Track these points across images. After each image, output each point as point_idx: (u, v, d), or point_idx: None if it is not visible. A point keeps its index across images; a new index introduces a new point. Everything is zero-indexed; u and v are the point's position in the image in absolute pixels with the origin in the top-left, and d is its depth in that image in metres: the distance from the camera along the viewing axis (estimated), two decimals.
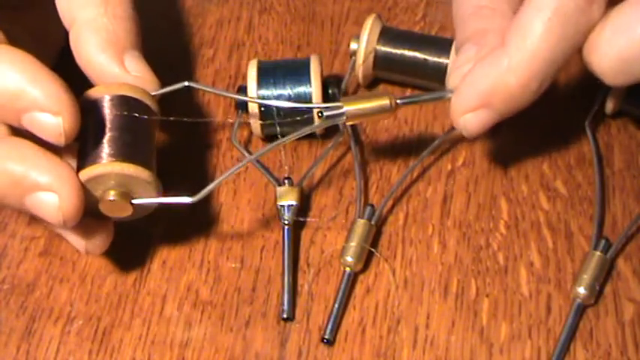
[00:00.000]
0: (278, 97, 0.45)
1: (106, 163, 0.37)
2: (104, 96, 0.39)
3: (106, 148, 0.37)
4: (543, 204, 0.44)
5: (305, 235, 0.43)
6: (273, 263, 0.42)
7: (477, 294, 0.41)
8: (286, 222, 0.43)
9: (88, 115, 0.38)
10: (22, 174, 0.36)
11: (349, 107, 0.39)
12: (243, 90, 0.45)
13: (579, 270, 0.41)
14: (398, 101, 0.40)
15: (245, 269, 0.42)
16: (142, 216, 0.40)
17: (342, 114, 0.39)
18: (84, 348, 0.40)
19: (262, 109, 0.45)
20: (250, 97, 0.44)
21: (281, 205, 0.43)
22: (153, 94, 0.41)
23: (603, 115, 0.47)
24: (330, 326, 0.40)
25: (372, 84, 0.49)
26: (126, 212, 0.38)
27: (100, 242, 0.40)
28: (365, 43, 0.47)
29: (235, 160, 0.47)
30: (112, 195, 0.37)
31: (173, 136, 0.46)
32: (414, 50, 0.47)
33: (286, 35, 0.53)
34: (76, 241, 0.40)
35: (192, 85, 0.42)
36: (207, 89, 0.45)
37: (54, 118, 0.36)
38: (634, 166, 0.46)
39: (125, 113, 0.39)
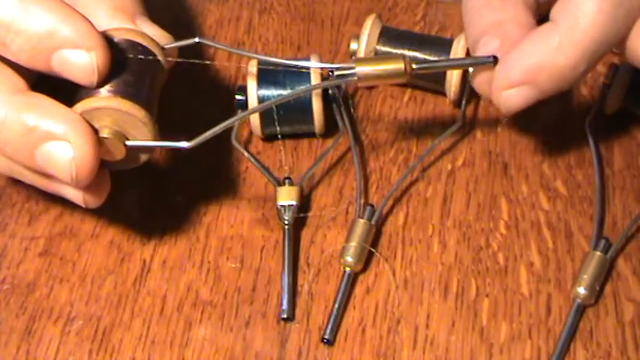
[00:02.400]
0: (278, 97, 0.45)
1: (103, 97, 0.36)
2: (113, 39, 0.38)
3: (106, 85, 0.37)
4: (543, 204, 0.44)
5: (305, 235, 0.43)
6: (273, 263, 0.42)
7: (477, 294, 0.41)
8: (286, 222, 0.43)
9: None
10: (36, 122, 0.35)
11: (361, 67, 0.38)
12: (243, 90, 0.45)
13: (579, 270, 0.41)
14: (414, 66, 0.38)
15: (245, 269, 0.42)
16: (137, 165, 0.39)
17: (353, 74, 0.38)
18: (84, 348, 0.40)
19: None
20: (253, 54, 0.43)
21: (281, 205, 0.43)
22: (163, 46, 0.40)
23: (603, 115, 0.47)
24: (330, 326, 0.40)
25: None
26: (119, 154, 0.37)
27: (98, 193, 0.38)
28: (365, 43, 0.47)
29: (235, 160, 0.47)
30: (106, 132, 0.36)
31: (173, 135, 0.46)
32: (414, 50, 0.47)
33: (286, 35, 0.53)
34: (73, 193, 0.38)
35: (203, 41, 0.41)
36: (219, 46, 0.44)
37: (86, 54, 0.35)
38: (634, 166, 0.46)
39: (131, 56, 0.38)
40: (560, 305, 0.41)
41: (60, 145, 0.35)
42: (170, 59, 0.41)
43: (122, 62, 0.38)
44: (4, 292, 0.42)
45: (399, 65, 0.38)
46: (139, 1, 0.41)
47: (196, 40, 0.41)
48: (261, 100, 0.45)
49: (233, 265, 0.42)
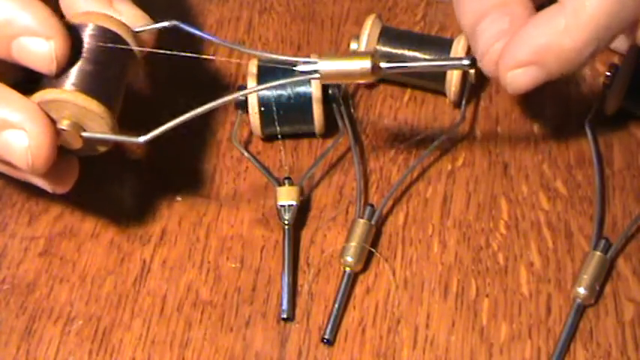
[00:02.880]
0: (278, 97, 0.45)
1: (63, 90, 0.37)
2: (82, 24, 0.38)
3: (69, 76, 0.37)
4: (543, 204, 0.44)
5: (305, 235, 0.43)
6: (273, 263, 0.42)
7: (477, 294, 0.41)
8: (286, 222, 0.43)
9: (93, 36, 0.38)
10: None
11: (325, 62, 0.36)
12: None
13: (579, 270, 0.41)
14: (382, 64, 0.35)
15: (245, 269, 0.42)
16: (96, 153, 0.39)
17: (315, 70, 0.36)
18: (84, 348, 0.40)
19: (262, 108, 0.45)
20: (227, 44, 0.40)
21: (281, 205, 0.43)
22: (136, 30, 0.40)
23: (603, 115, 0.47)
24: (330, 326, 0.40)
25: (372, 84, 0.49)
26: (76, 145, 0.37)
27: (63, 180, 0.39)
28: (365, 43, 0.47)
29: (235, 160, 0.47)
30: (64, 124, 0.37)
31: (173, 135, 0.46)
32: (414, 50, 0.47)
33: (286, 35, 0.53)
34: (38, 180, 0.39)
35: (181, 25, 0.40)
36: (196, 32, 0.40)
37: (46, 42, 0.36)
38: (634, 166, 0.46)
39: (100, 44, 0.38)
40: (560, 305, 0.41)
41: (16, 134, 0.35)
42: (144, 49, 0.40)
43: (88, 50, 0.38)
44: (4, 292, 0.42)
45: (365, 64, 0.35)
46: None
47: (174, 22, 0.40)
48: (261, 99, 0.45)
49: (233, 265, 0.42)
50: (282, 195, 0.43)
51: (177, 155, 0.47)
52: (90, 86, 0.37)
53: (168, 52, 0.40)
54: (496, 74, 0.40)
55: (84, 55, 0.38)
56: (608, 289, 0.41)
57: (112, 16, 0.39)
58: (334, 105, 0.46)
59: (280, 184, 0.44)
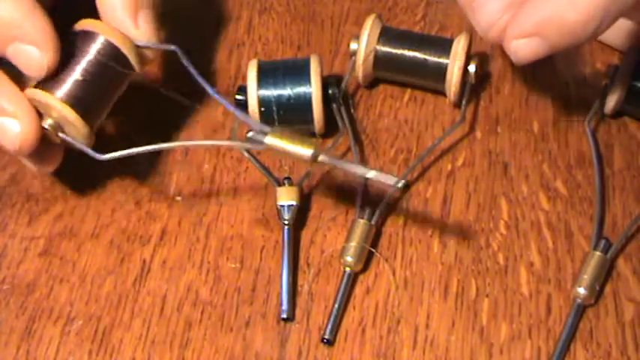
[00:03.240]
0: (278, 97, 0.45)
1: (51, 97, 0.40)
2: (91, 33, 0.41)
3: (62, 84, 0.40)
4: (543, 204, 0.44)
5: (305, 235, 0.43)
6: (273, 263, 0.42)
7: (477, 294, 0.41)
8: (286, 222, 0.43)
9: (75, 42, 0.41)
10: None
11: (272, 139, 0.37)
12: (243, 90, 0.45)
13: (579, 270, 0.41)
14: (321, 157, 0.37)
15: (245, 269, 0.42)
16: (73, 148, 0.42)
17: (262, 142, 0.37)
18: (84, 348, 0.40)
19: (262, 108, 0.45)
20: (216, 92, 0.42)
21: (281, 205, 0.43)
22: (139, 45, 0.42)
23: (603, 115, 0.47)
24: (330, 326, 0.40)
25: (372, 84, 0.49)
26: (55, 140, 0.41)
27: (47, 163, 0.43)
28: (365, 43, 0.47)
29: (235, 160, 0.47)
30: (46, 123, 0.40)
31: (173, 136, 0.46)
32: (414, 50, 0.47)
33: (286, 35, 0.53)
34: (27, 163, 0.43)
35: (180, 54, 0.41)
36: (191, 69, 0.41)
37: (39, 53, 0.39)
38: (634, 166, 0.46)
39: (101, 59, 0.41)
40: (560, 305, 0.41)
41: (10, 121, 0.39)
42: (141, 72, 0.43)
43: (89, 62, 0.41)
44: (4, 292, 0.42)
45: (307, 152, 0.37)
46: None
47: (173, 48, 0.42)
48: (261, 100, 0.45)
49: (233, 265, 0.42)
50: (282, 195, 0.43)
51: (177, 155, 0.47)
52: (78, 99, 0.40)
53: (165, 91, 0.44)
54: (497, 40, 0.40)
55: (83, 66, 0.41)
56: (608, 289, 0.41)
57: (122, 34, 0.41)
58: (334, 105, 0.46)
59: (280, 184, 0.44)
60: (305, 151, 0.37)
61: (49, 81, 0.40)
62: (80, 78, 0.41)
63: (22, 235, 0.44)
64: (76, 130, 0.41)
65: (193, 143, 0.41)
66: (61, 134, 0.41)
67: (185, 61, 0.41)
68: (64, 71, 0.41)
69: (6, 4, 0.38)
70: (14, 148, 0.40)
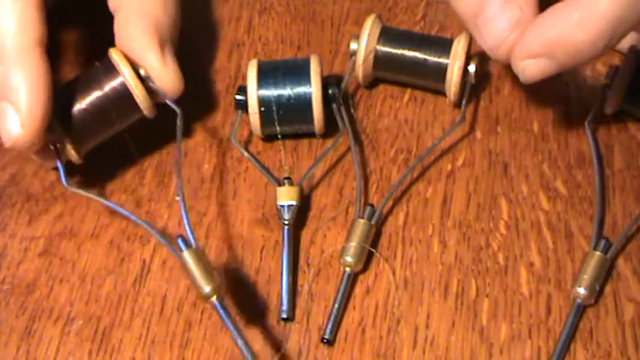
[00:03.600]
0: (278, 97, 0.45)
1: (58, 130, 0.41)
2: (114, 67, 0.42)
3: (68, 108, 0.42)
4: (543, 204, 0.44)
5: (305, 235, 0.43)
6: (273, 263, 0.42)
7: (477, 294, 0.41)
8: (286, 222, 0.43)
9: (97, 70, 0.42)
10: (17, 84, 0.39)
11: (188, 256, 0.37)
12: (243, 90, 0.45)
13: (579, 270, 0.41)
14: (213, 299, 0.36)
15: (245, 269, 0.42)
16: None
17: (180, 254, 0.38)
18: (84, 348, 0.40)
19: (262, 108, 0.45)
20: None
21: (281, 205, 0.43)
22: (150, 84, 0.43)
23: (603, 115, 0.47)
24: (330, 326, 0.40)
25: (372, 84, 0.49)
26: (49, 154, 0.43)
27: (50, 161, 0.43)
28: (365, 43, 0.47)
29: (235, 160, 0.47)
30: (49, 142, 0.42)
31: (172, 138, 0.46)
32: (414, 50, 0.47)
33: (286, 35, 0.53)
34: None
35: (178, 117, 0.43)
36: (179, 139, 0.43)
37: (18, 125, 0.39)
38: (634, 166, 0.46)
39: (113, 98, 0.42)
40: (560, 305, 0.41)
41: (14, 117, 0.39)
42: (150, 114, 0.44)
43: (99, 98, 0.42)
44: (4, 292, 0.42)
45: (205, 288, 0.36)
46: (172, 29, 0.44)
47: (178, 113, 0.43)
48: (261, 100, 0.45)
49: (233, 265, 0.42)
50: (282, 195, 0.43)
51: (177, 155, 0.46)
52: (75, 127, 0.42)
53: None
54: (504, 59, 0.40)
55: (92, 97, 0.42)
56: (608, 289, 0.41)
57: (140, 78, 0.42)
58: (334, 105, 0.46)
59: (280, 184, 0.44)
60: (204, 285, 0.36)
61: (61, 97, 0.41)
62: (84, 107, 0.42)
63: (22, 235, 0.44)
64: (66, 152, 0.42)
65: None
66: (51, 146, 0.42)
67: (179, 130, 0.43)
68: (74, 94, 0.42)
69: (19, 73, 0.39)
70: (10, 144, 0.40)
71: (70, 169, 0.44)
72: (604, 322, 0.40)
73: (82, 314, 0.41)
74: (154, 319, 0.41)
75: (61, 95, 0.41)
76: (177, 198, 0.45)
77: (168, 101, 0.43)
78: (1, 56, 0.39)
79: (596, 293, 0.40)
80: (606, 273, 0.41)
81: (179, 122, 0.43)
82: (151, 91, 0.43)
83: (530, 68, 0.40)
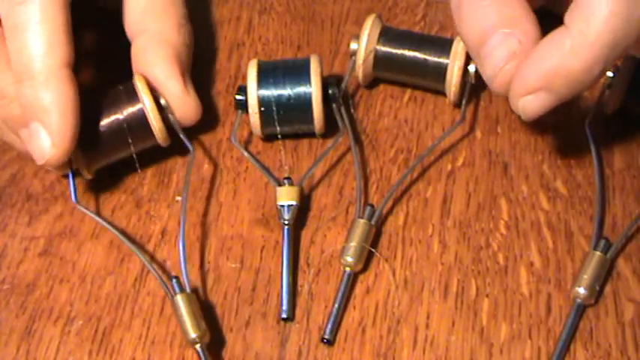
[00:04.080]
0: (278, 97, 0.45)
1: (75, 148, 0.41)
2: (136, 93, 0.43)
3: (86, 129, 0.42)
4: (543, 204, 0.44)
5: (305, 235, 0.43)
6: (273, 263, 0.42)
7: (477, 294, 0.41)
8: (286, 222, 0.43)
9: (119, 93, 0.43)
10: (49, 106, 0.40)
11: (181, 300, 0.39)
12: (243, 90, 0.45)
13: (579, 270, 0.41)
14: (197, 346, 0.38)
15: (245, 269, 0.42)
16: None
17: (173, 295, 0.39)
18: (84, 348, 0.40)
19: (262, 108, 0.45)
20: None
21: (281, 205, 0.43)
22: (169, 114, 0.44)
23: (603, 115, 0.47)
24: (330, 326, 0.40)
25: (372, 84, 0.49)
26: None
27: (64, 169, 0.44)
28: (365, 43, 0.47)
29: (235, 160, 0.47)
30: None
31: (173, 137, 0.46)
32: (414, 50, 0.47)
33: (286, 35, 0.53)
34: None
35: (190, 158, 0.44)
36: (188, 174, 0.44)
37: (51, 145, 0.40)
38: (634, 166, 0.46)
39: (131, 123, 0.43)
40: (560, 305, 0.41)
41: (47, 138, 0.40)
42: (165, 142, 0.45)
43: (116, 122, 0.43)
44: (4, 292, 0.42)
45: (191, 334, 0.38)
46: (189, 57, 0.46)
47: (190, 149, 0.44)
48: (261, 100, 0.45)
49: (233, 265, 0.42)
50: (282, 195, 0.43)
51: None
52: (93, 149, 0.43)
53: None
54: (507, 95, 0.40)
55: (110, 121, 0.43)
56: (608, 289, 0.41)
57: (160, 107, 0.43)
58: (334, 105, 0.46)
59: (280, 184, 0.44)
60: (191, 331, 0.38)
61: (85, 116, 0.41)
62: (102, 128, 0.43)
63: (22, 235, 0.44)
64: (78, 167, 0.43)
65: None
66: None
67: (189, 162, 0.44)
68: (94, 114, 0.43)
69: (51, 93, 0.39)
70: (40, 161, 0.41)
71: None
72: (604, 322, 0.40)
73: (82, 314, 0.41)
74: (153, 319, 0.41)
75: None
76: (178, 198, 0.45)
77: (182, 137, 0.44)
78: (31, 78, 0.39)
79: (596, 293, 0.40)
80: (606, 273, 0.41)
81: (191, 159, 0.44)
82: (167, 122, 0.44)
83: (530, 105, 0.39)
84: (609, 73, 0.46)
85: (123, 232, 0.43)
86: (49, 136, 0.40)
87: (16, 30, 0.40)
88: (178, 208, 0.45)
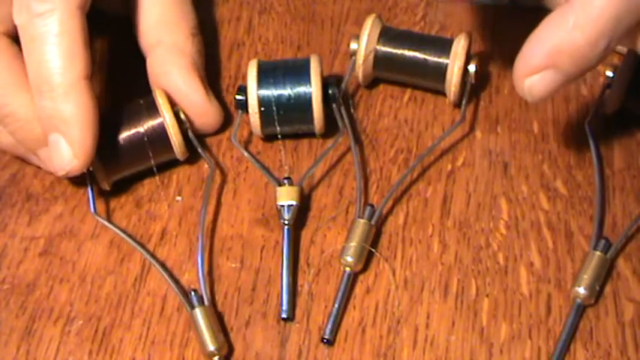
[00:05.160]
0: (278, 97, 0.45)
1: (94, 158, 0.42)
2: (157, 109, 0.44)
3: (106, 141, 0.42)
4: (543, 204, 0.44)
5: (305, 235, 0.43)
6: (273, 263, 0.42)
7: (477, 294, 0.41)
8: (286, 222, 0.43)
9: (140, 107, 0.44)
10: (70, 117, 0.40)
11: (200, 312, 0.39)
12: (243, 90, 0.45)
13: (579, 270, 0.41)
14: (215, 359, 0.39)
15: (245, 269, 0.42)
16: None
17: (193, 307, 0.40)
18: (84, 348, 0.40)
19: (262, 108, 0.45)
20: None
21: (281, 205, 0.43)
22: (189, 133, 0.45)
23: (603, 115, 0.47)
24: (330, 326, 0.40)
25: (372, 84, 0.49)
26: None
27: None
28: (365, 43, 0.47)
29: (235, 160, 0.47)
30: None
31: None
32: (414, 50, 0.47)
33: (286, 35, 0.53)
34: (42, 163, 0.44)
35: (211, 168, 0.44)
36: (208, 188, 0.44)
37: (72, 156, 0.40)
38: (634, 166, 0.46)
39: (150, 138, 0.43)
40: (560, 305, 0.41)
41: (68, 150, 0.40)
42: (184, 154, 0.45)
43: (136, 132, 0.43)
44: (4, 292, 0.42)
45: (210, 346, 0.38)
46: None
47: (211, 164, 0.45)
48: (261, 99, 0.45)
49: (233, 265, 0.42)
50: (282, 195, 0.43)
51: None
52: (112, 161, 0.43)
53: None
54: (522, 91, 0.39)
55: (129, 134, 0.43)
56: (608, 289, 0.41)
57: (180, 121, 0.44)
58: (334, 105, 0.46)
59: (280, 184, 0.44)
60: (209, 342, 0.38)
61: (100, 126, 0.41)
62: (121, 141, 0.43)
63: (22, 235, 0.44)
64: (96, 178, 0.43)
65: None
66: (85, 170, 0.43)
67: (209, 176, 0.44)
68: (114, 127, 0.43)
69: (70, 105, 0.40)
70: (61, 173, 0.41)
71: None
72: (604, 322, 0.40)
73: (82, 314, 0.41)
74: (154, 319, 0.41)
75: (100, 125, 0.42)
76: (178, 198, 0.45)
77: (200, 152, 0.45)
78: (50, 91, 0.40)
79: (596, 293, 0.40)
80: (606, 273, 0.41)
81: (211, 173, 0.44)
82: (186, 136, 0.44)
83: (536, 85, 0.38)
84: (609, 73, 0.46)
85: (150, 252, 0.43)
86: (69, 147, 0.40)
87: (34, 42, 0.40)
88: (178, 208, 0.45)
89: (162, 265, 0.42)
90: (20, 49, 0.41)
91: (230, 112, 0.48)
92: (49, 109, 0.40)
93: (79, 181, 0.45)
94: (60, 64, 0.40)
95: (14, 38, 0.42)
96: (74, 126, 0.40)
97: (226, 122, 0.48)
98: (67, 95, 0.40)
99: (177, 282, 0.42)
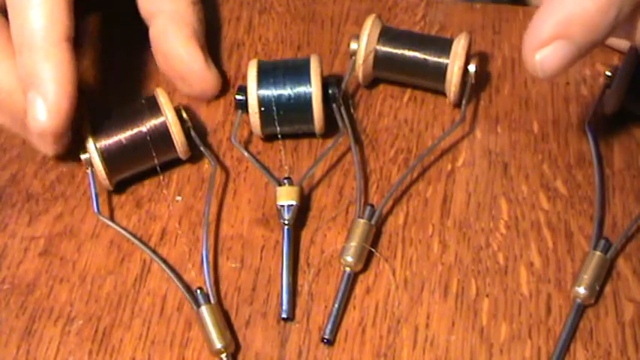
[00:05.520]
0: (278, 97, 0.45)
1: (96, 149, 0.43)
2: (159, 111, 0.44)
3: (111, 140, 0.43)
4: (543, 204, 0.44)
5: (305, 235, 0.43)
6: (273, 263, 0.42)
7: (477, 294, 0.41)
8: (286, 222, 0.43)
9: (142, 107, 0.44)
10: (50, 76, 0.40)
11: (206, 310, 0.39)
12: (243, 90, 0.45)
13: (579, 270, 0.41)
14: (222, 356, 0.39)
15: (245, 269, 0.42)
16: None
17: (199, 305, 0.40)
18: (84, 348, 0.40)
19: (262, 108, 0.45)
20: None
21: (281, 205, 0.43)
22: (190, 130, 0.45)
23: (603, 115, 0.47)
24: (330, 326, 0.40)
25: (372, 84, 0.49)
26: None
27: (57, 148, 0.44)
28: (365, 43, 0.47)
29: (235, 160, 0.47)
30: (83, 156, 0.43)
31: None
32: (414, 50, 0.47)
33: (286, 35, 0.53)
34: (38, 142, 0.44)
35: (213, 167, 0.45)
36: (212, 187, 0.44)
37: (46, 115, 0.40)
38: (634, 166, 0.46)
39: (152, 136, 0.43)
40: (560, 305, 0.41)
41: (43, 108, 0.40)
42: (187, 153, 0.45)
43: (138, 131, 0.43)
44: (4, 292, 0.42)
45: (217, 344, 0.39)
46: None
47: (213, 163, 0.45)
48: (261, 99, 0.45)
49: (233, 265, 0.42)
50: (282, 195, 0.43)
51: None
52: (113, 159, 0.43)
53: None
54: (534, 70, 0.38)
55: (132, 133, 0.43)
56: (608, 289, 0.41)
57: (182, 120, 0.44)
58: (334, 105, 0.46)
59: (280, 184, 0.44)
60: (216, 340, 0.39)
61: (103, 126, 0.43)
62: (124, 141, 0.43)
63: (22, 235, 0.44)
64: (99, 178, 0.44)
65: None
66: (88, 171, 0.44)
67: (212, 175, 0.44)
68: (116, 126, 0.43)
69: (47, 60, 0.40)
70: (36, 130, 0.41)
71: (70, 170, 0.44)
72: (604, 322, 0.40)
73: (82, 314, 0.41)
74: (154, 319, 0.41)
75: (103, 125, 0.43)
76: (178, 198, 0.45)
77: (203, 150, 0.45)
78: (30, 50, 0.40)
79: (596, 293, 0.40)
80: (606, 273, 0.41)
81: (213, 171, 0.44)
82: (188, 135, 0.45)
83: (548, 58, 0.37)
84: (609, 73, 0.46)
85: (154, 251, 0.43)
86: (45, 105, 0.40)
87: (19, 5, 0.41)
88: (178, 208, 0.45)
89: (167, 263, 0.42)
90: (7, 21, 0.42)
91: (230, 112, 0.48)
92: (28, 67, 0.40)
93: (79, 181, 0.46)
94: (42, 24, 0.40)
95: (2, 11, 0.43)
96: (51, 84, 0.40)
97: (226, 122, 0.48)
98: (47, 55, 0.40)
99: (181, 280, 0.42)
